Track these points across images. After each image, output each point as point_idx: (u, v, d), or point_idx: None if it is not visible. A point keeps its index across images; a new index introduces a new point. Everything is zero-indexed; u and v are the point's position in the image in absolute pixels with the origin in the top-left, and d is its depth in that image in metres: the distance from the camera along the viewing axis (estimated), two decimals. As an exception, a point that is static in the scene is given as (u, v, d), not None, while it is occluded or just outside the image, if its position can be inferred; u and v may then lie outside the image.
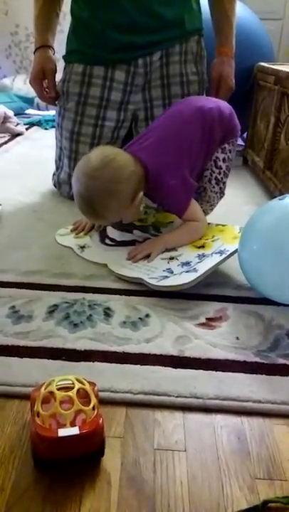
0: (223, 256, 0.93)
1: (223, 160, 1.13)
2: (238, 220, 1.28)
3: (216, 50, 1.32)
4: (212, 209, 1.20)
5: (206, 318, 0.83)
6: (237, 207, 1.39)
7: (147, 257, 0.99)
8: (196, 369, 0.71)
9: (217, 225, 1.09)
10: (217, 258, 0.93)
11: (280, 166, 1.37)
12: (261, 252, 0.82)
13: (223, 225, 1.08)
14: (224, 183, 1.17)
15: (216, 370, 0.70)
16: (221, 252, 0.95)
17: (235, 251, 0.93)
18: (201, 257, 0.95)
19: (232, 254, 0.94)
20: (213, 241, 1.01)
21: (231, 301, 0.89)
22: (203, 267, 0.91)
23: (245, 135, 1.90)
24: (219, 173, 1.14)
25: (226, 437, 0.61)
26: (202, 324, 0.82)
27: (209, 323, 0.82)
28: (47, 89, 1.36)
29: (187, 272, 0.90)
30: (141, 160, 0.99)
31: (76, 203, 0.99)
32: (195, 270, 0.90)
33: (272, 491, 0.54)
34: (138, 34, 1.24)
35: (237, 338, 0.78)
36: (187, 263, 0.94)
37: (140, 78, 1.29)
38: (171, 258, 0.98)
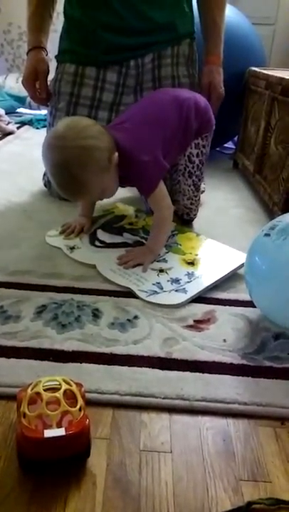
0: (213, 280, 0.94)
1: (197, 155, 1.15)
2: (227, 223, 1.30)
3: (204, 58, 1.33)
4: (195, 206, 1.22)
5: (194, 321, 0.84)
6: (226, 210, 1.40)
7: (138, 265, 0.99)
8: (183, 371, 0.71)
9: (206, 239, 1.11)
10: (207, 281, 0.94)
11: (270, 170, 1.38)
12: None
13: (212, 240, 1.10)
14: (197, 177, 1.18)
15: (203, 372, 0.71)
16: (210, 275, 0.96)
17: (225, 276, 0.96)
18: (191, 276, 0.96)
19: (222, 279, 0.95)
20: (203, 258, 1.03)
21: (219, 303, 0.90)
22: (193, 289, 0.92)
23: (236, 139, 1.92)
24: (192, 168, 1.16)
25: (212, 439, 0.61)
26: (190, 326, 0.82)
27: (197, 325, 0.83)
28: (39, 90, 1.36)
29: (176, 290, 0.91)
30: (114, 137, 0.97)
31: (52, 180, 0.93)
32: (184, 291, 0.91)
33: (257, 492, 0.54)
34: (130, 36, 1.24)
35: (224, 341, 0.79)
36: (177, 280, 0.95)
37: (132, 80, 1.30)
38: (161, 270, 0.98)
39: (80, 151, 0.89)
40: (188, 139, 1.12)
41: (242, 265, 0.95)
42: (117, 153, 0.95)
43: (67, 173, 0.90)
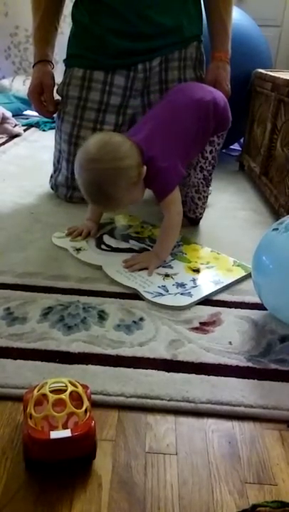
0: (218, 287, 0.94)
1: (210, 151, 1.16)
2: (233, 224, 1.30)
3: (210, 55, 1.32)
4: (202, 203, 1.22)
5: (200, 323, 0.84)
6: (232, 212, 1.40)
7: (143, 269, 1.00)
8: (188, 373, 0.71)
9: (212, 251, 1.10)
10: (212, 287, 0.94)
11: (276, 172, 1.38)
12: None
13: (218, 253, 1.09)
14: (208, 172, 1.19)
15: (209, 375, 0.71)
16: (215, 282, 0.96)
17: (229, 284, 0.96)
18: (196, 281, 0.96)
19: (226, 287, 0.95)
20: (208, 267, 1.03)
21: (225, 305, 0.90)
22: (198, 293, 0.92)
23: (242, 141, 1.92)
24: (204, 163, 1.17)
25: (217, 441, 0.61)
26: (196, 328, 0.82)
27: (203, 327, 0.83)
28: (45, 103, 1.36)
29: (182, 294, 0.91)
30: (136, 142, 0.99)
31: (85, 194, 0.97)
32: (190, 295, 0.91)
33: (262, 495, 0.54)
34: (137, 40, 1.25)
35: (230, 343, 0.79)
36: (182, 284, 0.95)
37: (139, 83, 1.30)
38: (167, 275, 0.99)
39: (113, 172, 0.92)
40: (206, 139, 1.14)
41: (248, 275, 0.96)
42: (145, 167, 0.98)
43: (100, 192, 0.94)
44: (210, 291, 0.93)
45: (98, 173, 0.92)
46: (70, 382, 0.58)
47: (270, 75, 1.49)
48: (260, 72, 1.61)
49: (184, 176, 1.07)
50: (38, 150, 2.00)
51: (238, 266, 1.03)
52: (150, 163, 0.99)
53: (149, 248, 1.10)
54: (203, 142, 1.14)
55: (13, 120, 2.31)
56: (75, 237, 1.14)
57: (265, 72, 1.58)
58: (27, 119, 2.64)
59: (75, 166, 0.97)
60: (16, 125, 2.30)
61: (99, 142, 0.95)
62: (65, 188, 1.40)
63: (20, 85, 2.89)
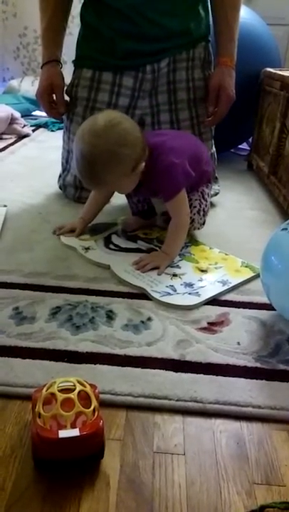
0: (226, 287, 0.94)
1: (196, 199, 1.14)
2: (241, 224, 1.29)
3: (216, 60, 1.31)
4: (199, 220, 1.17)
5: (208, 323, 0.84)
6: (240, 211, 1.40)
7: (153, 269, 1.00)
8: (196, 373, 0.71)
9: (220, 252, 1.10)
10: (220, 288, 0.94)
11: (285, 171, 1.37)
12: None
13: (226, 254, 1.09)
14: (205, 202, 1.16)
15: (217, 375, 0.71)
16: (223, 282, 0.96)
17: (237, 285, 0.95)
18: (204, 281, 0.96)
19: (234, 287, 0.95)
20: (216, 268, 1.02)
21: (233, 305, 0.89)
22: (206, 293, 0.92)
23: (250, 140, 1.91)
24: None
25: (225, 442, 0.61)
26: (204, 328, 0.82)
27: (211, 327, 0.83)
28: (54, 104, 1.35)
29: (190, 294, 0.91)
30: (148, 141, 0.99)
31: (76, 165, 0.96)
32: (198, 294, 0.91)
33: (270, 496, 0.54)
34: (146, 42, 1.25)
35: (238, 343, 0.78)
36: (190, 284, 0.95)
37: (148, 84, 1.30)
38: (175, 275, 0.98)
39: (110, 156, 0.92)
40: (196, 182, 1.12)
41: (257, 276, 0.96)
42: (143, 164, 0.97)
43: (90, 168, 0.94)
44: (218, 291, 0.92)
45: (95, 150, 0.91)
46: (79, 382, 0.58)
47: (279, 74, 1.48)
48: (269, 71, 1.61)
49: (192, 178, 1.05)
50: (46, 150, 2.01)
51: (246, 267, 1.02)
52: (160, 156, 0.98)
53: (157, 249, 1.09)
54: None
55: (22, 121, 2.32)
56: (60, 234, 1.15)
57: (274, 71, 1.57)
58: (36, 119, 2.65)
59: (76, 132, 0.96)
60: (24, 125, 2.32)
61: (111, 120, 0.94)
62: (73, 188, 1.40)
63: (29, 86, 2.90)
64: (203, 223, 1.17)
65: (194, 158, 1.07)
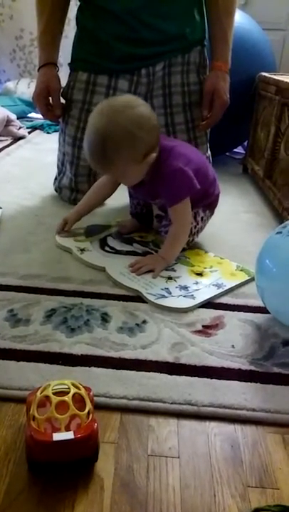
0: (220, 290, 0.94)
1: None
2: (236, 227, 1.30)
3: (210, 64, 1.32)
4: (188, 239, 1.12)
5: (203, 326, 0.84)
6: (235, 215, 1.40)
7: (148, 271, 0.99)
8: (191, 376, 0.71)
9: (215, 256, 1.10)
10: (215, 291, 0.94)
11: (280, 175, 1.38)
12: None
13: (221, 258, 1.09)
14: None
15: (211, 378, 0.71)
16: (218, 286, 0.96)
17: (232, 288, 0.96)
18: (199, 284, 0.97)
19: (229, 290, 0.95)
20: (211, 271, 1.02)
21: (228, 309, 0.90)
22: (201, 296, 0.92)
23: (245, 144, 1.92)
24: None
25: (220, 445, 0.61)
26: (198, 331, 0.82)
27: (206, 330, 0.83)
28: (50, 107, 1.35)
29: (185, 296, 0.92)
30: (161, 141, 0.99)
31: (86, 144, 0.93)
32: (193, 297, 0.91)
33: (264, 499, 0.54)
34: (142, 46, 1.25)
35: (233, 346, 0.79)
36: (185, 287, 0.95)
37: (143, 87, 1.31)
38: (170, 278, 0.99)
39: (124, 135, 0.90)
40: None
41: (252, 279, 0.96)
42: (154, 155, 0.96)
43: (102, 145, 0.91)
44: (213, 294, 0.93)
45: (110, 126, 0.89)
46: (73, 385, 0.58)
47: (274, 79, 1.49)
48: (264, 76, 1.62)
49: (196, 189, 1.01)
50: (42, 152, 2.01)
51: (241, 270, 1.03)
52: (169, 160, 0.98)
53: (153, 252, 1.10)
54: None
55: (18, 122, 2.32)
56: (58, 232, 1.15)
57: (269, 75, 1.58)
58: (31, 121, 2.65)
59: (96, 106, 0.95)
60: (20, 127, 2.31)
61: (131, 102, 0.94)
62: (69, 191, 1.40)
63: (25, 88, 2.90)
64: (192, 241, 1.12)
65: (200, 174, 1.05)
